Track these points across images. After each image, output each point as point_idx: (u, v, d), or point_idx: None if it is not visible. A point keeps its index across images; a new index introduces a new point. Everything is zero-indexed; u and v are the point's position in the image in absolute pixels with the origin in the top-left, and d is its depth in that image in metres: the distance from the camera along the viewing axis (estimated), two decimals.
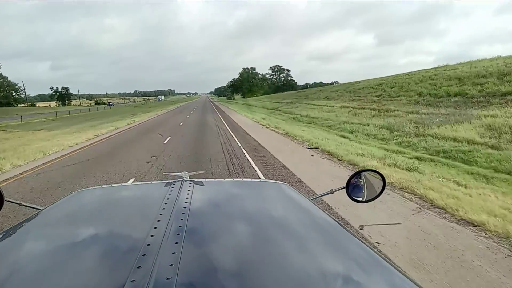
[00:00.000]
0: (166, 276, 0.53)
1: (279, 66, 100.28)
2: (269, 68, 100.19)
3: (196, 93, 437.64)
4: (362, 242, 0.79)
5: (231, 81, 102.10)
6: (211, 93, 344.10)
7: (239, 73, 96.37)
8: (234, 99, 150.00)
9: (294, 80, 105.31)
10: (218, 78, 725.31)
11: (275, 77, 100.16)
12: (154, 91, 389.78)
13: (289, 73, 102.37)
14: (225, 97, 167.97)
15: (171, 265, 0.57)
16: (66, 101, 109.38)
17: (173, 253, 0.61)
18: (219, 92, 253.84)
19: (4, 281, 0.59)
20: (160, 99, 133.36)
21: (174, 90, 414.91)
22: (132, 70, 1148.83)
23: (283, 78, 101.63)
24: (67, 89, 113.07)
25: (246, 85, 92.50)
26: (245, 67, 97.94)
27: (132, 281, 0.52)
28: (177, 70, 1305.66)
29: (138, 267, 0.56)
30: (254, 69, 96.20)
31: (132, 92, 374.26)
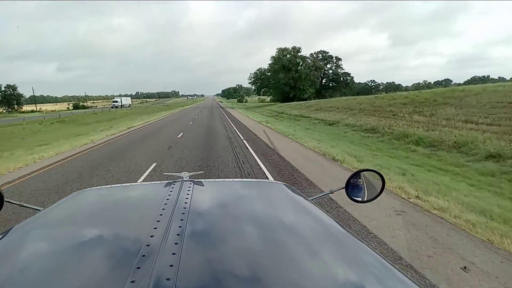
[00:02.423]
0: (166, 276, 0.53)
1: (324, 52, 63.16)
2: (309, 55, 62.40)
3: (202, 95, 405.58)
4: (362, 242, 0.78)
5: (255, 73, 61.51)
6: (218, 95, 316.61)
7: (272, 57, 55.91)
8: (246, 101, 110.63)
9: (349, 74, 68.19)
10: (225, 79, 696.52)
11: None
12: (157, 92, 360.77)
13: (339, 63, 65.23)
14: (236, 100, 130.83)
15: (171, 265, 0.56)
16: (15, 105, 75.74)
17: (173, 253, 0.60)
18: (227, 93, 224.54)
19: (4, 282, 0.58)
20: (118, 104, 67.49)
21: (178, 92, 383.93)
22: (139, 71, 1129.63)
23: (331, 71, 64.80)
24: (13, 88, 76.98)
25: (287, 77, 52.03)
26: (282, 47, 56.10)
27: (132, 282, 0.52)
28: (185, 72, 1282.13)
29: (138, 268, 0.56)
30: (299, 50, 55.67)
31: (133, 94, 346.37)
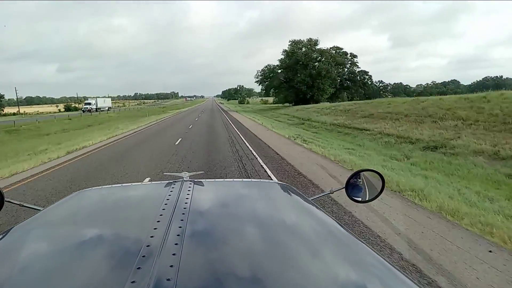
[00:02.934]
0: (167, 277, 0.53)
1: (338, 48, 54.95)
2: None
3: (202, 96, 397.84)
4: (363, 243, 0.79)
5: (262, 71, 52.03)
6: (218, 96, 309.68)
7: (284, 51, 46.85)
8: (248, 103, 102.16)
9: (367, 72, 60.37)
10: (225, 81, 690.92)
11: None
12: (156, 94, 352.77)
13: (356, 61, 56.97)
14: (237, 101, 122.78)
15: (171, 266, 0.56)
16: None
17: (173, 254, 0.60)
18: (227, 94, 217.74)
19: (4, 282, 0.58)
20: (91, 108, 52.23)
21: (178, 93, 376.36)
22: (139, 72, 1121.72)
23: (346, 69, 56.73)
24: None
25: (304, 74, 43.34)
26: (295, 39, 47.43)
27: (132, 282, 0.52)
28: (185, 73, 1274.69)
29: (138, 268, 0.56)
30: (316, 43, 46.55)
31: (132, 95, 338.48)
